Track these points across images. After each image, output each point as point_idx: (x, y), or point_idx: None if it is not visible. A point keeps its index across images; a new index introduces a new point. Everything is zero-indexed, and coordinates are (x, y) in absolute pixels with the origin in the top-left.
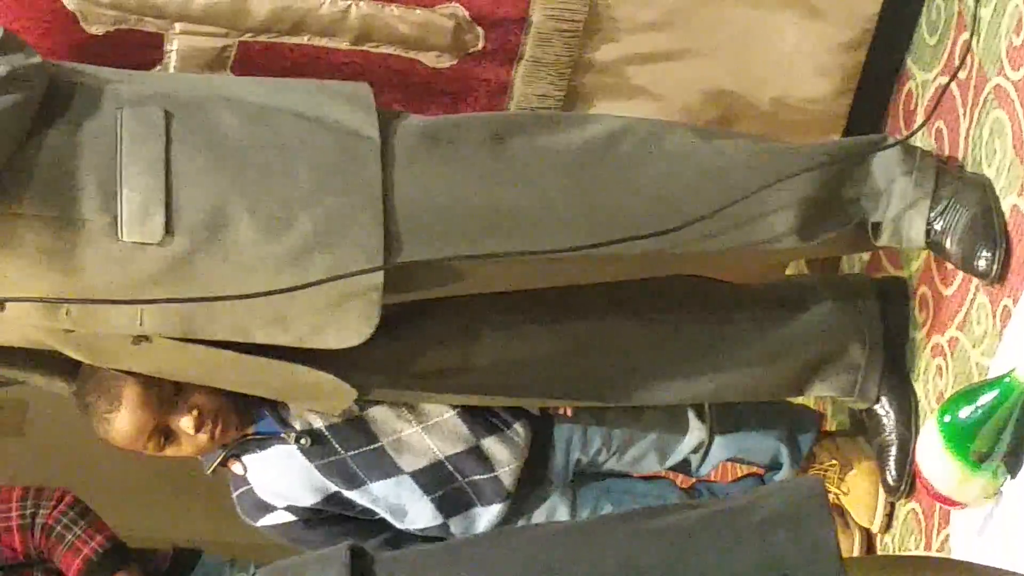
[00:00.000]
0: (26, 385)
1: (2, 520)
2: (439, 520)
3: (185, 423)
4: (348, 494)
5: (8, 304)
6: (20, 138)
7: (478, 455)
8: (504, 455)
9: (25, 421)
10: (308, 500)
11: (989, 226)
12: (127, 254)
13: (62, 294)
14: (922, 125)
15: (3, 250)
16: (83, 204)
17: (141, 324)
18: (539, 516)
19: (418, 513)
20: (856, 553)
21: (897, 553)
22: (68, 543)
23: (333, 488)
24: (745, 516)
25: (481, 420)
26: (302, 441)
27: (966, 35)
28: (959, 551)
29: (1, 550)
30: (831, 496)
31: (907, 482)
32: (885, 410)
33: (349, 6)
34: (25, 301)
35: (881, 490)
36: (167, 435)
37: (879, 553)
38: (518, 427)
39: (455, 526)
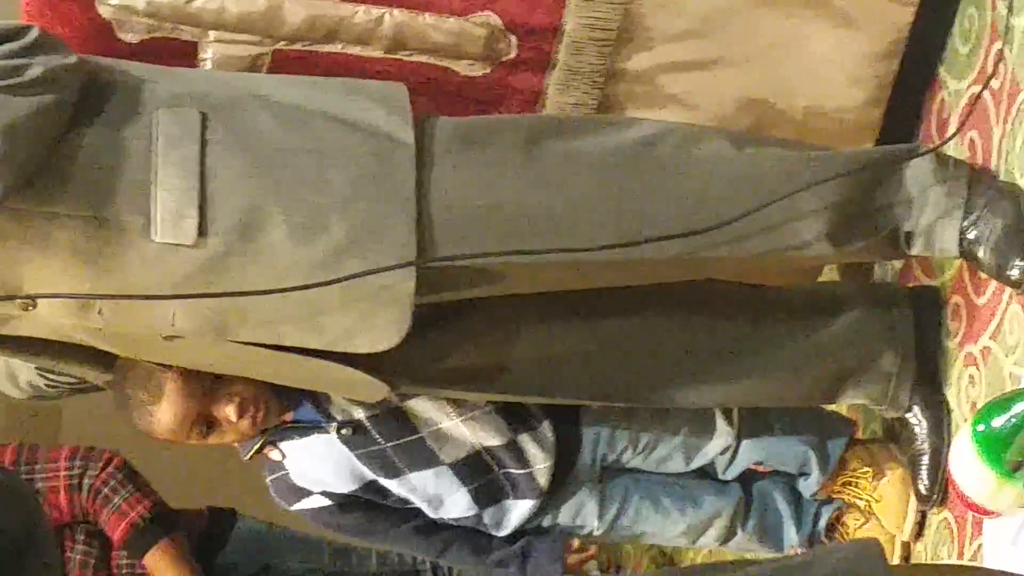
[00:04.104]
0: (61, 400)
1: (50, 479)
2: (474, 511)
3: (228, 411)
4: (386, 483)
5: (40, 302)
6: (54, 139)
7: (515, 450)
8: (538, 453)
9: (60, 428)
10: (345, 487)
11: (1022, 235)
12: (160, 255)
13: (94, 293)
14: (955, 134)
15: (37, 249)
16: (117, 205)
17: (173, 324)
18: (567, 511)
19: (454, 503)
20: (895, 562)
21: (932, 562)
22: (115, 506)
23: (371, 476)
24: (804, 572)
25: (516, 416)
26: (343, 431)
27: (999, 44)
28: (992, 560)
29: (48, 509)
30: (862, 503)
31: (939, 491)
32: (917, 419)
33: (383, 15)
34: (56, 297)
35: (912, 498)
36: (209, 424)
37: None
38: (546, 426)
39: (488, 517)
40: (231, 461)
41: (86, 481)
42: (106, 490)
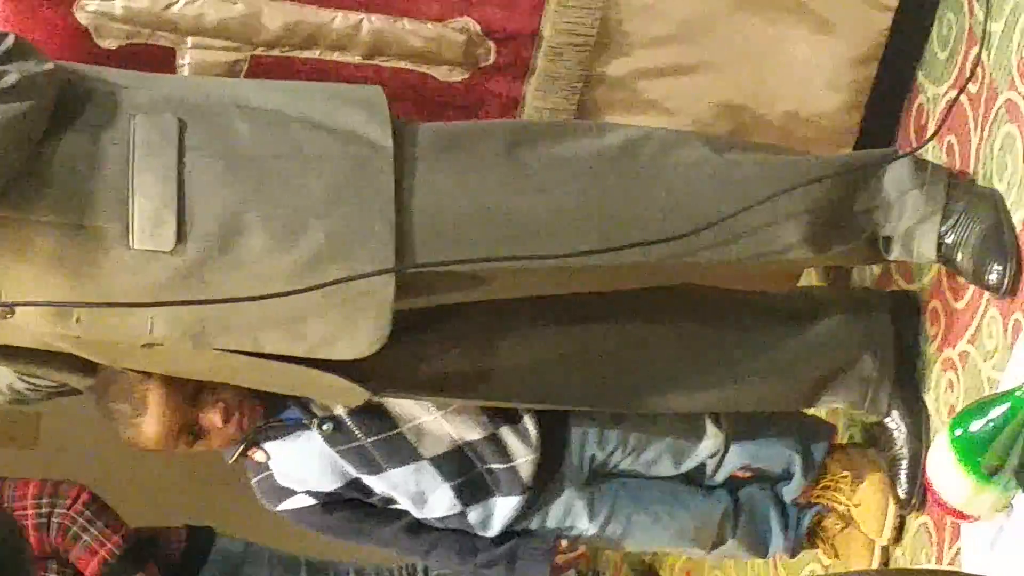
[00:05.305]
0: (40, 404)
1: (18, 518)
2: (458, 508)
3: (213, 418)
4: (368, 480)
5: (17, 310)
6: (30, 146)
7: (496, 444)
8: (520, 447)
9: (39, 433)
10: (328, 485)
11: (1000, 240)
12: (138, 262)
13: (72, 301)
14: (932, 137)
15: (15, 256)
16: (95, 211)
17: (151, 332)
18: (556, 511)
19: (438, 500)
20: (874, 566)
21: (911, 567)
22: (85, 544)
23: (353, 473)
24: None
25: (497, 410)
26: (324, 427)
27: (977, 49)
28: (970, 565)
29: None
30: (842, 508)
31: (918, 495)
32: (896, 423)
33: (361, 20)
34: (32, 305)
35: (891, 503)
36: (195, 432)
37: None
38: (527, 420)
39: (473, 516)
40: (210, 479)
41: (55, 519)
42: (75, 528)
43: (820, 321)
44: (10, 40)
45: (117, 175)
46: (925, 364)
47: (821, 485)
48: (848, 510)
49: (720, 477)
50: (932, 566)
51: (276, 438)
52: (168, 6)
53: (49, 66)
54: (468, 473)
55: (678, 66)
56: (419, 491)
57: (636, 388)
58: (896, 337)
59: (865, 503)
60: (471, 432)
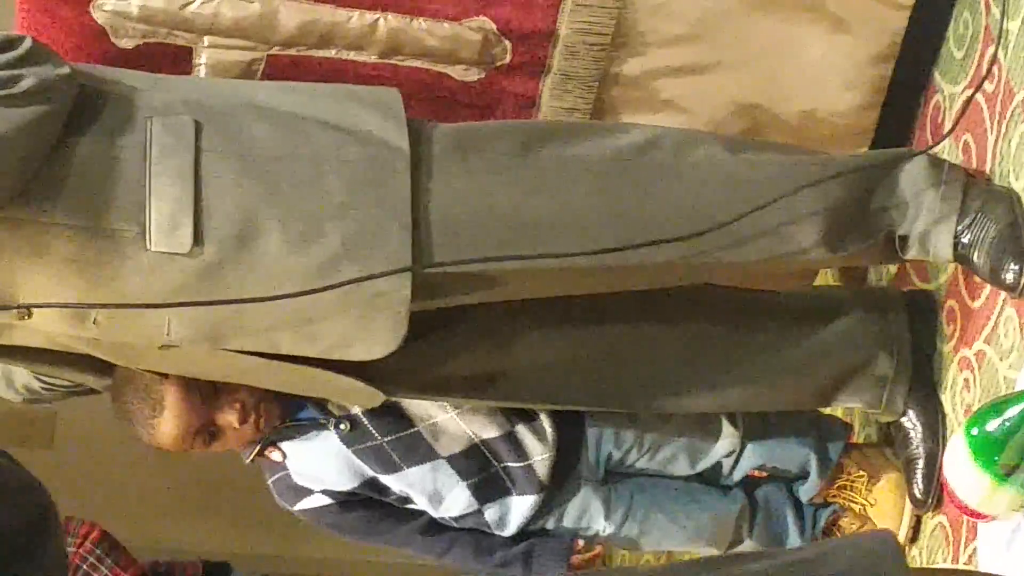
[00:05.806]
0: (56, 403)
1: None
2: (474, 507)
3: (230, 418)
4: (385, 479)
5: (35, 312)
6: (47, 149)
7: (513, 441)
8: (536, 445)
9: (55, 433)
10: (345, 485)
11: (1017, 239)
12: (155, 264)
13: (89, 303)
14: (948, 134)
15: (32, 258)
16: (112, 214)
17: (168, 334)
18: (572, 510)
19: (454, 499)
20: None
21: (933, 566)
22: None
23: (370, 473)
24: (815, 570)
25: (513, 409)
26: (341, 427)
27: (993, 48)
28: (987, 564)
29: None
30: (858, 507)
31: (934, 495)
32: (912, 423)
33: (377, 20)
34: (50, 307)
35: (907, 502)
36: (212, 432)
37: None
38: (544, 419)
39: (489, 514)
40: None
41: None
42: (85, 567)
43: (836, 320)
44: (26, 44)
45: (133, 178)
46: (941, 363)
47: (837, 484)
48: (864, 509)
49: (736, 476)
50: (949, 565)
51: (293, 438)
52: (184, 5)
53: (65, 70)
54: (484, 471)
55: (694, 65)
56: (436, 490)
57: (650, 388)
58: (912, 336)
59: (881, 502)
60: (487, 430)
